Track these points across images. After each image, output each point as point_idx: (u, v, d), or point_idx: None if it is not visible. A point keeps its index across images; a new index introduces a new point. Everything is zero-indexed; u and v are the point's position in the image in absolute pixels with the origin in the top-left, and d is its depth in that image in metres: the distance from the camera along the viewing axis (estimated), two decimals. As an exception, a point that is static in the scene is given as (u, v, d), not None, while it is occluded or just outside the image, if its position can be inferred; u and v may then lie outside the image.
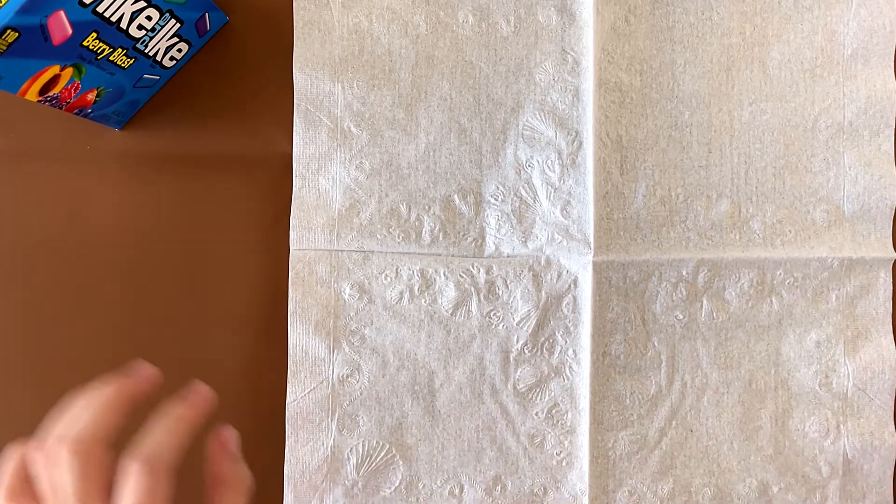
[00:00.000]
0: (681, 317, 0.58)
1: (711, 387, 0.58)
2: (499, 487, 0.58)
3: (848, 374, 0.58)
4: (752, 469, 0.57)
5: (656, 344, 0.58)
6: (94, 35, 0.48)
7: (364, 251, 0.58)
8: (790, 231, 0.58)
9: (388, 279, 0.58)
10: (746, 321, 0.58)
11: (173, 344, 0.58)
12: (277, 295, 0.58)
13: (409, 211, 0.58)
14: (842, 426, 0.58)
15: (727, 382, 0.58)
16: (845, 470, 0.58)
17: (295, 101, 0.58)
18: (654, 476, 0.58)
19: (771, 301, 0.58)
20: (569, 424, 0.58)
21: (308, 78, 0.58)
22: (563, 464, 0.58)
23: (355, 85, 0.58)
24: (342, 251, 0.58)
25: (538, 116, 0.58)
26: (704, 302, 0.58)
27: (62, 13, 0.45)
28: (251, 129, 0.59)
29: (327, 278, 0.58)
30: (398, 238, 0.58)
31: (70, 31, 0.46)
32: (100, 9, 0.46)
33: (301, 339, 0.58)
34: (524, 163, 0.58)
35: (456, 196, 0.58)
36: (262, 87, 0.59)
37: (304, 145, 0.58)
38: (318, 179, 0.58)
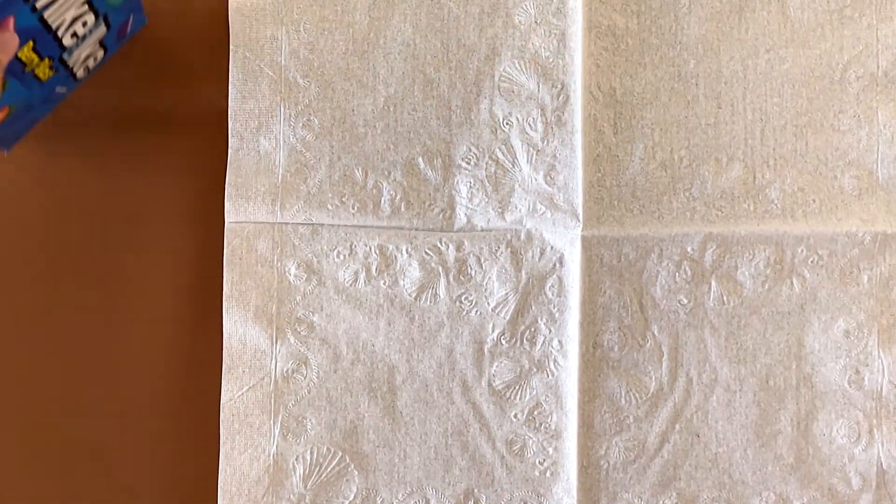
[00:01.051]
0: (685, 301, 0.55)
1: (721, 384, 0.55)
2: (471, 502, 0.55)
3: (882, 368, 0.55)
4: (769, 481, 0.55)
5: (656, 333, 0.55)
6: (31, 45, 0.46)
7: (312, 224, 0.55)
8: (814, 200, 0.55)
9: (341, 257, 0.55)
10: (762, 307, 0.55)
11: (89, 334, 0.56)
12: (210, 276, 0.55)
13: (366, 177, 0.55)
14: (875, 430, 0.55)
15: (740, 379, 0.55)
16: (879, 482, 0.56)
17: (231, 47, 0.54)
18: (653, 489, 0.55)
19: (791, 283, 0.55)
20: (553, 428, 0.55)
21: (246, 20, 0.55)
22: (548, 474, 0.55)
23: (302, 28, 0.55)
24: (287, 224, 0.54)
25: (517, 65, 0.55)
26: (713, 284, 0.55)
27: (12, 20, 0.43)
28: (178, 82, 0.56)
29: (269, 256, 0.54)
30: (352, 209, 0.54)
31: (17, 39, 0.44)
32: (46, 14, 0.46)
33: (238, 327, 0.54)
34: (501, 120, 0.55)
35: (420, 159, 0.55)
36: (191, 31, 0.56)
37: (242, 100, 0.55)
38: (259, 140, 0.55)
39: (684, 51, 0.55)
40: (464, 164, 0.55)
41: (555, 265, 0.55)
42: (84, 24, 0.49)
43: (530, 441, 0.55)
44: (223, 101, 0.55)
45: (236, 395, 0.54)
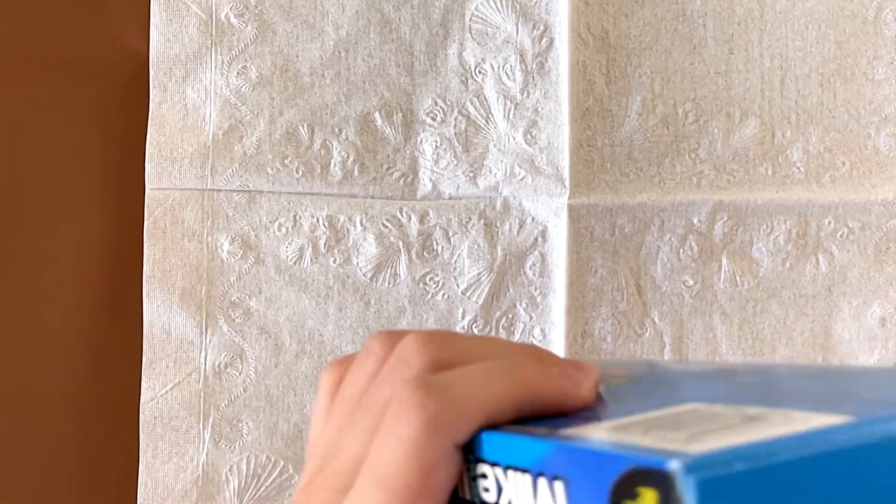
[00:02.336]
0: (691, 283, 0.53)
1: (734, 380, 0.50)
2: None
3: (924, 361, 0.54)
4: None
5: (657, 320, 0.54)
6: None
7: (249, 191, 0.50)
8: (843, 163, 0.52)
9: (284, 230, 0.51)
10: (783, 289, 0.54)
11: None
12: (128, 252, 0.51)
13: (313, 135, 0.50)
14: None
15: (756, 374, 0.50)
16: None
17: (152, -20, 0.50)
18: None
19: (817, 261, 0.54)
20: None
21: (170, -52, 0.51)
22: None
23: (236, -42, 0.51)
24: (218, 191, 0.50)
25: (492, 3, 0.51)
26: (724, 262, 0.53)
27: None
28: (88, 21, 0.51)
29: (198, 229, 0.51)
30: (297, 173, 0.50)
31: None
32: None
33: (161, 314, 0.51)
34: (473, 68, 0.51)
35: (377, 114, 0.51)
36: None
37: (166, 43, 0.50)
38: (185, 91, 0.50)
39: (690, -15, 0.51)
40: (428, 121, 0.51)
41: (536, 240, 0.51)
42: None
43: None
44: (143, 45, 0.50)
45: (159, 393, 0.50)
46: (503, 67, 0.50)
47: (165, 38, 0.49)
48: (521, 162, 0.50)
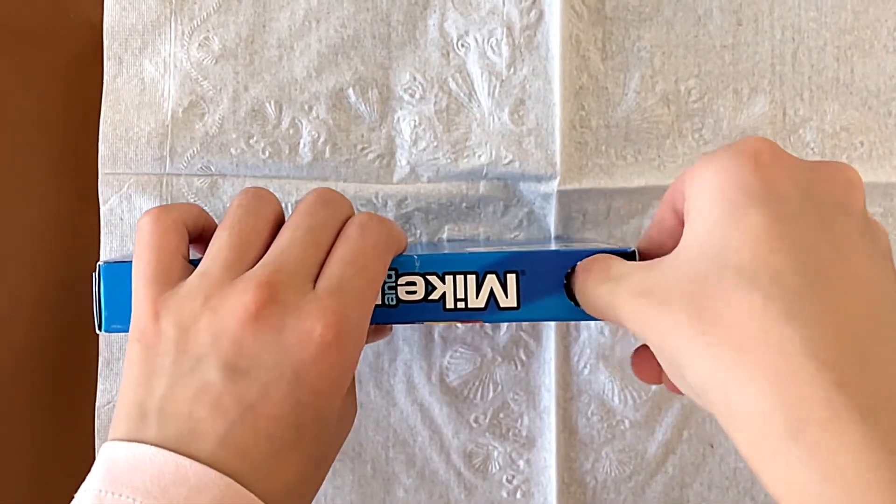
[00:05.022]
0: None
1: (740, 381, 0.48)
2: (418, 532, 0.50)
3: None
4: None
5: None
6: None
7: (211, 175, 0.48)
8: (861, 143, 0.49)
9: None
10: None
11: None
12: (81, 243, 0.48)
13: (281, 113, 0.48)
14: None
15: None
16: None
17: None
18: (653, 515, 0.52)
19: None
20: (525, 435, 0.50)
21: None
22: (518, 495, 0.50)
23: (197, -81, 0.48)
24: (179, 175, 0.47)
25: None
26: None
27: None
28: None
29: None
30: (263, 154, 0.48)
31: None
32: None
33: None
34: (455, 40, 0.48)
35: (351, 90, 0.48)
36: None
37: (121, 11, 0.48)
38: (143, 64, 0.47)
39: (694, -51, 0.48)
40: (406, 97, 0.48)
41: (521, 222, 0.49)
42: None
43: (495, 452, 0.50)
44: (96, 14, 0.47)
45: (116, 396, 0.47)
46: (488, 41, 0.47)
47: (121, 5, 0.46)
48: (507, 144, 0.47)
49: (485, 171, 0.47)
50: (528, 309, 0.34)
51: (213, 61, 0.46)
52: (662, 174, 0.48)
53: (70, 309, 0.49)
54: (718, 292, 0.27)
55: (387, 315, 0.35)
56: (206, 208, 0.46)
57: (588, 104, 0.47)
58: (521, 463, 0.49)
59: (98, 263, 0.35)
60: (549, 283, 0.34)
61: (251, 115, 0.46)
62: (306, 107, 0.47)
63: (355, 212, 0.38)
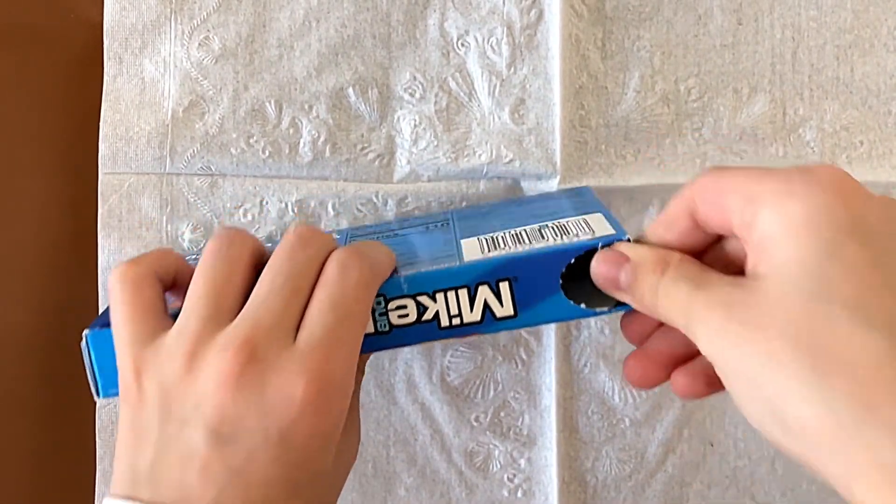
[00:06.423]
0: None
1: (741, 379, 0.48)
2: (419, 531, 0.50)
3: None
4: (803, 502, 0.52)
5: None
6: None
7: (212, 174, 0.48)
8: (861, 143, 0.50)
9: (249, 217, 0.49)
10: None
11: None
12: (80, 243, 0.48)
13: (281, 112, 0.48)
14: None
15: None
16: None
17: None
18: (653, 514, 0.51)
19: None
20: (526, 434, 0.50)
21: None
22: (519, 494, 0.51)
23: (197, -81, 0.48)
24: (179, 175, 0.48)
25: None
26: None
27: None
28: None
29: (156, 217, 0.48)
30: (263, 154, 0.48)
31: None
32: None
33: None
34: (455, 40, 0.48)
35: (351, 90, 0.48)
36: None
37: (122, 12, 0.48)
38: (143, 64, 0.48)
39: (694, -51, 0.48)
40: (406, 97, 0.48)
41: None
42: None
43: (496, 451, 0.50)
44: (97, 13, 0.47)
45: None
46: (488, 40, 0.47)
47: (121, 5, 0.47)
48: (507, 143, 0.47)
49: (485, 170, 0.47)
50: (527, 315, 0.33)
51: (214, 61, 0.46)
52: (662, 173, 0.48)
53: (70, 308, 0.49)
54: (829, 327, 0.26)
55: (381, 342, 0.34)
56: (206, 208, 0.47)
57: (588, 103, 0.47)
58: (522, 462, 0.49)
59: (84, 333, 0.35)
60: (544, 286, 0.32)
61: (251, 115, 0.47)
62: (306, 106, 0.47)
63: (337, 245, 0.37)
